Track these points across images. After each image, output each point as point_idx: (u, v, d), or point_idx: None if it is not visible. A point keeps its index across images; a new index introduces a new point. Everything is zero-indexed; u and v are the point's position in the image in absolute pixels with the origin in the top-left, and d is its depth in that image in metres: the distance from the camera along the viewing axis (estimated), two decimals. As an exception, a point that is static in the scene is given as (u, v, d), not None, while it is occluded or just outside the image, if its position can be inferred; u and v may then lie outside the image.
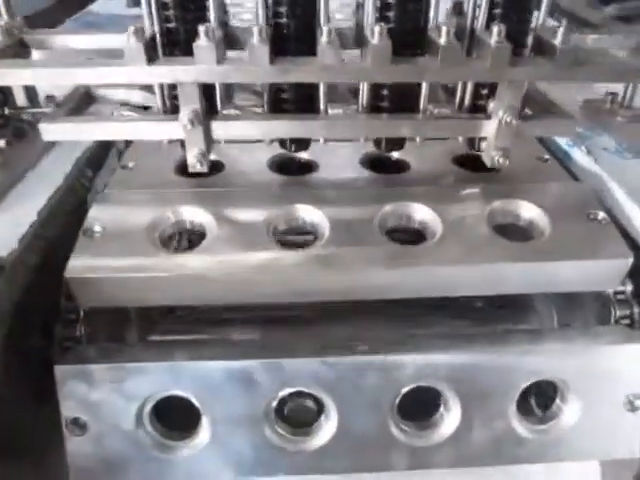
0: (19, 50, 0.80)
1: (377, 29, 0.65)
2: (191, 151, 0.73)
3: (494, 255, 0.69)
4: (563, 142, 0.93)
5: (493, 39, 0.66)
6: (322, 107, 0.75)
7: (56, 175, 0.82)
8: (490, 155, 0.75)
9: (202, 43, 0.65)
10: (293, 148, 0.81)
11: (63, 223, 0.77)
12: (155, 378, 0.66)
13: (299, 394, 0.69)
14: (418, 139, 0.79)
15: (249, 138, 0.81)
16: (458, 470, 0.73)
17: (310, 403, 0.70)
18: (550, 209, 0.75)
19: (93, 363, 0.65)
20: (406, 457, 0.70)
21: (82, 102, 0.81)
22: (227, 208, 0.75)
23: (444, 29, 0.66)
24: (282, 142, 0.81)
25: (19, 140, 0.86)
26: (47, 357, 0.67)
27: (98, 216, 0.73)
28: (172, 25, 0.69)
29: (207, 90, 0.72)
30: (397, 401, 0.69)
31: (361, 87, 0.74)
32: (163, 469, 0.68)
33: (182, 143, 0.74)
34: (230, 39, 0.75)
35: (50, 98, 0.88)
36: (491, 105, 0.74)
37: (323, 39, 0.66)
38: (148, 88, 0.81)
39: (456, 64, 0.68)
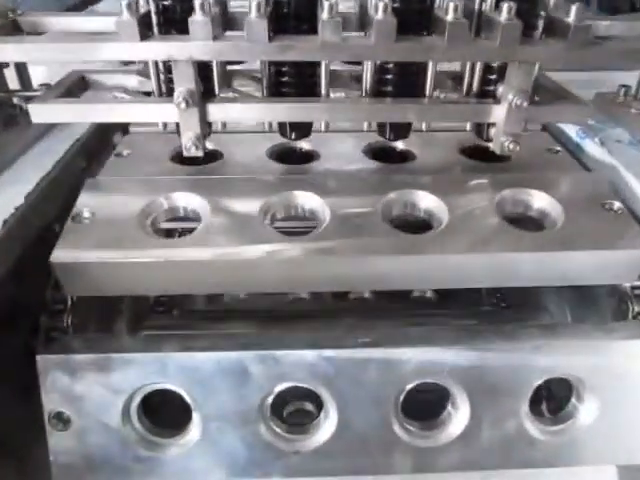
0: (12, 33, 0.77)
1: (381, 5, 0.62)
2: (186, 134, 0.70)
3: (505, 244, 0.65)
4: (574, 134, 0.90)
5: (503, 16, 0.63)
6: (323, 90, 0.71)
7: (47, 162, 0.79)
8: (499, 141, 0.72)
9: (197, 18, 0.62)
10: (293, 135, 0.78)
11: (53, 211, 0.74)
12: (143, 370, 0.62)
13: (298, 397, 0.65)
14: (424, 125, 0.76)
15: (247, 121, 0.78)
16: (465, 474, 0.68)
17: (310, 407, 0.67)
18: (563, 198, 0.71)
19: (77, 353, 0.61)
20: (410, 459, 0.66)
21: (75, 87, 0.78)
22: (223, 195, 0.71)
23: (451, 5, 0.62)
24: (282, 130, 0.77)
25: (11, 126, 0.83)
26: (32, 349, 0.63)
27: (88, 202, 0.70)
28: (168, 2, 0.67)
29: (203, 72, 0.69)
30: (401, 398, 0.64)
31: (365, 69, 0.71)
32: (150, 468, 0.64)
33: (178, 129, 0.71)
34: (228, 20, 0.72)
35: (44, 85, 0.86)
36: (500, 89, 0.71)
37: (324, 15, 0.63)
38: (144, 73, 0.78)
39: (464, 42, 0.65)
